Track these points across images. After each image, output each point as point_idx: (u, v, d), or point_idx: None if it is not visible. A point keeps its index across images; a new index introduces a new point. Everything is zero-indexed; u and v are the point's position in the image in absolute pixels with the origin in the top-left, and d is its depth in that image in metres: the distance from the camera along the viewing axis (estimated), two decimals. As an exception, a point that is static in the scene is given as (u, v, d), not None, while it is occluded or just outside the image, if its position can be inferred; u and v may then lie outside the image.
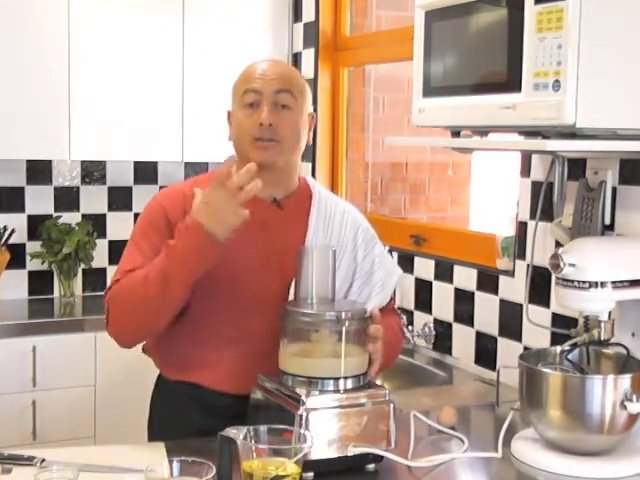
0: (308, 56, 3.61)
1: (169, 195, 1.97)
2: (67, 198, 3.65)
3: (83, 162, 3.65)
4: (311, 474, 1.67)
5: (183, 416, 1.94)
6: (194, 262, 1.76)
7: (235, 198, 1.70)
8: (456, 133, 2.02)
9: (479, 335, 2.64)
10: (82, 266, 3.63)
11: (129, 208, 3.73)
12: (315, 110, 3.56)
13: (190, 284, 1.79)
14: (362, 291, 2.03)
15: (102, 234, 3.69)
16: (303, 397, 1.67)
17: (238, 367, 1.91)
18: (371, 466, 1.73)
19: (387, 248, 2.81)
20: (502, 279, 2.54)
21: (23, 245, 3.56)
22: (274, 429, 1.57)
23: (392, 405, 1.73)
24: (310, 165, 3.59)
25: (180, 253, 1.75)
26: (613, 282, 1.77)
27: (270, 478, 1.50)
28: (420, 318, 2.89)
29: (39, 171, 3.59)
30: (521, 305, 2.38)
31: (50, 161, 3.59)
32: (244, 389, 1.85)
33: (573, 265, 1.76)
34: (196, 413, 1.93)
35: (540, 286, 2.33)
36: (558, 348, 1.95)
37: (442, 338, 2.79)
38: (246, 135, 1.93)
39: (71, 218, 3.62)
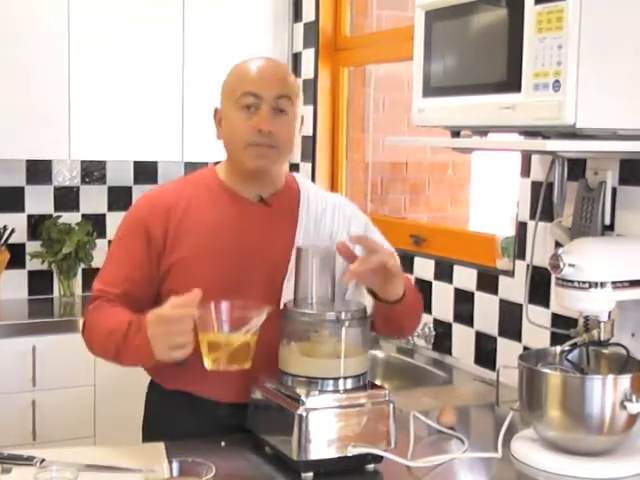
0: (308, 56, 3.61)
1: (153, 210, 1.94)
2: (67, 198, 3.65)
3: (83, 162, 3.65)
4: (311, 474, 1.67)
5: (180, 422, 1.92)
6: (136, 358, 1.79)
7: (174, 338, 1.67)
8: (456, 133, 2.02)
9: (479, 335, 2.64)
10: (82, 266, 3.63)
11: (129, 208, 3.72)
12: (315, 110, 3.56)
13: (139, 364, 1.83)
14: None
15: (102, 234, 3.69)
16: (303, 397, 1.67)
17: (233, 375, 1.87)
18: (371, 466, 1.73)
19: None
20: (502, 279, 2.54)
21: (23, 245, 3.56)
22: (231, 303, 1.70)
23: (392, 405, 1.73)
24: (310, 165, 3.59)
25: (127, 344, 1.77)
26: (613, 282, 1.77)
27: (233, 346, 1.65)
28: (420, 318, 2.88)
29: (39, 171, 3.59)
30: (521, 305, 2.38)
31: (50, 161, 3.59)
32: (244, 397, 1.83)
33: (573, 265, 1.76)
34: (194, 422, 1.90)
35: (540, 286, 2.33)
36: (558, 348, 1.95)
37: (442, 338, 2.79)
38: (241, 140, 1.90)
39: (71, 218, 3.61)
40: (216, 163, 2.04)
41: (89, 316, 1.92)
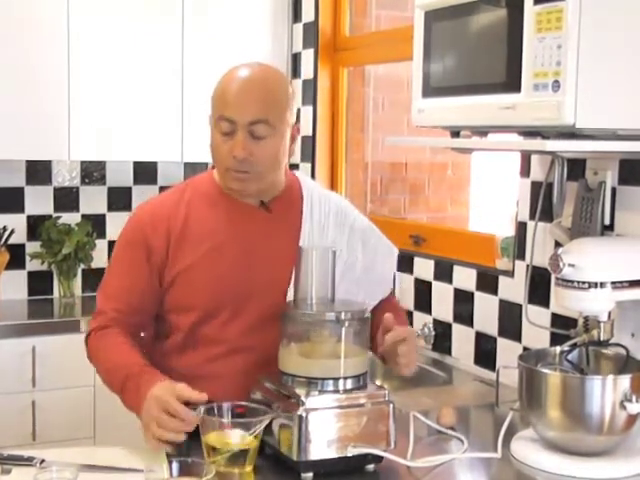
0: (307, 56, 3.61)
1: (152, 221, 1.92)
2: (67, 198, 3.65)
3: (83, 162, 3.65)
4: (310, 474, 1.67)
5: None
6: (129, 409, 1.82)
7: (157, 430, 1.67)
8: (456, 133, 2.02)
9: (479, 335, 2.64)
10: (82, 266, 3.63)
11: (129, 208, 3.72)
12: (315, 110, 3.56)
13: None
14: (362, 283, 2.00)
15: (102, 234, 3.69)
16: (303, 397, 1.67)
17: (237, 378, 1.88)
18: (371, 466, 1.73)
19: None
20: (502, 279, 2.54)
21: (23, 245, 3.56)
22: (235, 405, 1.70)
23: (392, 405, 1.73)
24: (310, 165, 3.59)
25: (123, 397, 1.82)
26: (612, 282, 1.77)
27: (234, 450, 1.63)
28: (419, 318, 2.89)
29: (39, 171, 3.59)
30: (521, 305, 2.38)
31: (50, 161, 3.59)
32: (244, 398, 1.80)
33: (573, 265, 1.76)
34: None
35: (540, 286, 2.33)
36: (558, 348, 1.95)
37: (442, 338, 2.79)
38: (220, 162, 1.89)
39: (71, 218, 3.61)
40: (214, 167, 2.00)
41: (93, 339, 1.93)
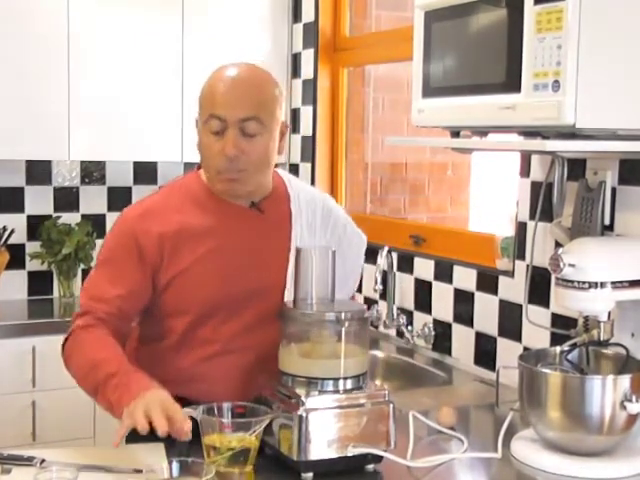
0: (307, 56, 3.61)
1: (143, 223, 1.89)
2: (67, 198, 3.65)
3: (82, 162, 3.65)
4: (311, 474, 1.67)
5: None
6: (106, 408, 1.75)
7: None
8: (456, 133, 2.02)
9: (479, 335, 2.64)
10: (82, 266, 3.62)
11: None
12: (314, 110, 3.56)
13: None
14: (344, 274, 1.99)
15: (102, 234, 3.67)
16: (303, 397, 1.67)
17: (235, 377, 1.88)
18: (370, 466, 1.73)
19: (386, 249, 2.83)
20: (502, 279, 2.54)
21: (23, 245, 3.56)
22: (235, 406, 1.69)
23: (392, 405, 1.73)
24: (310, 165, 3.59)
25: (104, 393, 1.73)
26: (613, 282, 1.77)
27: (234, 450, 1.62)
28: (419, 318, 2.89)
29: (39, 171, 3.59)
30: (521, 305, 2.38)
31: (50, 161, 3.59)
32: (243, 398, 1.76)
33: (573, 265, 1.76)
34: (192, 425, 1.78)
35: (540, 286, 2.32)
36: (558, 348, 1.95)
37: (442, 338, 2.79)
38: (211, 165, 1.88)
39: (71, 218, 3.61)
40: (199, 167, 1.98)
41: (76, 335, 1.87)
